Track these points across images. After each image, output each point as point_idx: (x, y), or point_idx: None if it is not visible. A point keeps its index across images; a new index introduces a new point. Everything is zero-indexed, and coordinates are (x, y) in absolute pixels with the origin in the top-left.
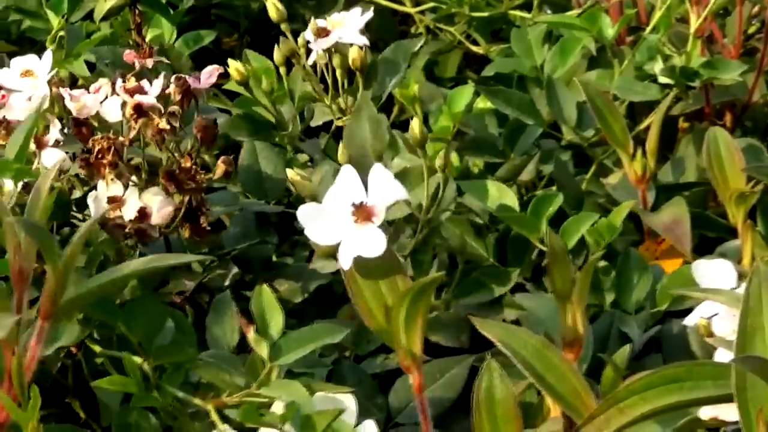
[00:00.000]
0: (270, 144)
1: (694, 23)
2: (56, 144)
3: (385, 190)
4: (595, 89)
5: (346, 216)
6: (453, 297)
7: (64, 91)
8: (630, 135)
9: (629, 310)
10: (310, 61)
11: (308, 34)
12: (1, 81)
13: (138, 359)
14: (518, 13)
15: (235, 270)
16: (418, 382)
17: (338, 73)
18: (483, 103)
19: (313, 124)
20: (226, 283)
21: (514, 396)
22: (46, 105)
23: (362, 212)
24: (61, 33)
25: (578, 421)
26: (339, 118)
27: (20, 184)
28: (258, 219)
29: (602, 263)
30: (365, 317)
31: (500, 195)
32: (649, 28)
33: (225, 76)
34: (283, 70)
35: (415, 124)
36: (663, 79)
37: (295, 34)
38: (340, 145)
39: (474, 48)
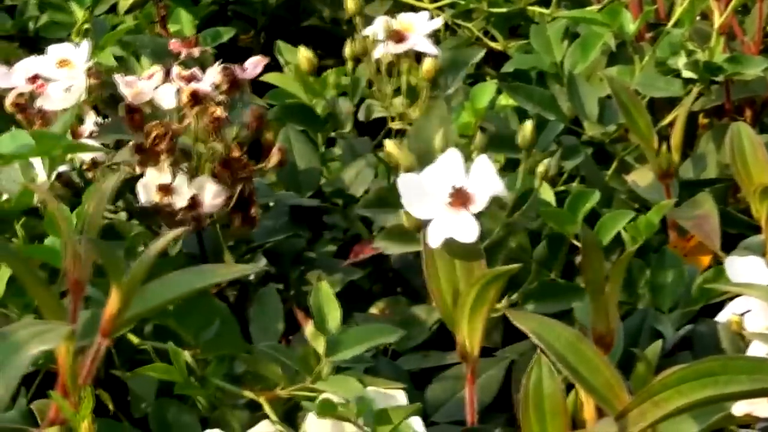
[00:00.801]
0: (305, 137)
1: (718, 19)
2: (91, 135)
3: (488, 181)
4: (620, 84)
5: (444, 197)
6: (524, 299)
7: (119, 77)
8: (654, 130)
9: (663, 309)
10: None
11: (379, 32)
12: (38, 70)
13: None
14: (537, 8)
15: (262, 264)
16: (472, 371)
17: (403, 77)
18: (505, 100)
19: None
20: (251, 276)
21: (563, 391)
22: (84, 96)
23: (461, 197)
24: (86, 26)
25: (611, 414)
26: (394, 119)
27: (53, 175)
28: (292, 213)
29: (635, 260)
30: (435, 298)
31: None
32: (671, 23)
33: None
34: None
35: (528, 128)
36: (686, 74)
37: (312, 30)
38: (404, 144)
39: (492, 44)
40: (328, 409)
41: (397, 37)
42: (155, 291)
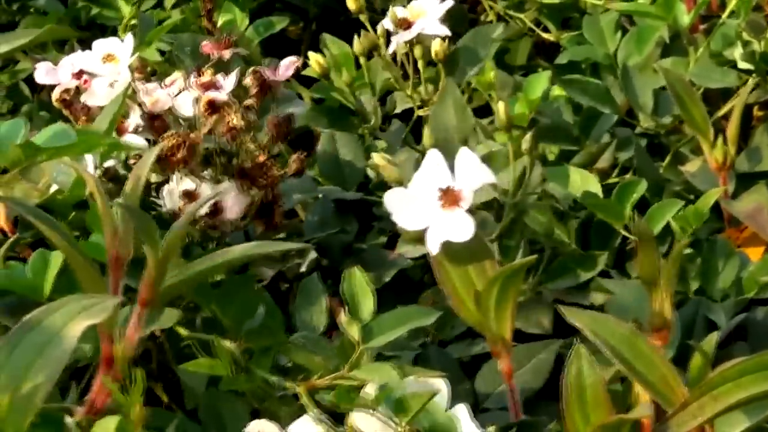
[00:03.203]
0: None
1: None
2: (136, 130)
3: (473, 173)
4: (675, 75)
5: (433, 200)
6: (540, 282)
7: (140, 84)
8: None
9: (715, 298)
10: (390, 50)
11: (387, 23)
12: (83, 65)
13: (226, 342)
14: (590, 0)
15: (311, 257)
16: (508, 367)
17: (420, 63)
18: (559, 90)
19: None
20: (302, 270)
21: (604, 382)
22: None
23: (449, 196)
24: (133, 21)
25: (668, 409)
26: (420, 107)
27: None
28: (337, 206)
29: (687, 250)
30: (453, 303)
31: (583, 182)
32: (726, 14)
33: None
34: (362, 60)
35: (501, 107)
36: (743, 65)
37: (362, 22)
38: (425, 129)
39: (545, 35)
40: (344, 398)
41: (405, 24)
42: (197, 262)
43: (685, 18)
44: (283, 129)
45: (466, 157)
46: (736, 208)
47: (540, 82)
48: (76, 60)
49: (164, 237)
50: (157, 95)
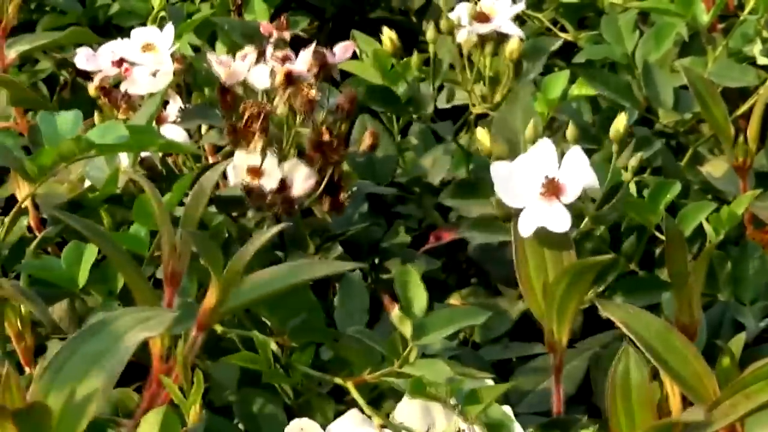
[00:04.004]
0: (381, 126)
1: None
2: (174, 120)
3: (580, 172)
4: (696, 73)
5: (537, 187)
6: (612, 291)
7: (212, 56)
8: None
9: (744, 301)
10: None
11: (462, 16)
12: (123, 54)
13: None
14: None
15: (337, 252)
16: (559, 362)
17: (487, 60)
18: (578, 90)
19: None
20: None
21: (650, 382)
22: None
23: (553, 187)
24: (162, 13)
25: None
26: (475, 105)
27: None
28: (371, 201)
29: (716, 252)
30: (523, 288)
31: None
32: (746, 11)
33: None
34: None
35: (621, 120)
36: (762, 60)
37: (380, 21)
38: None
39: (562, 35)
40: (418, 389)
41: (482, 17)
42: (252, 286)
43: (704, 17)
44: (354, 104)
45: (577, 155)
46: (760, 208)
47: (559, 82)
48: (115, 48)
49: (228, 263)
50: (233, 66)
